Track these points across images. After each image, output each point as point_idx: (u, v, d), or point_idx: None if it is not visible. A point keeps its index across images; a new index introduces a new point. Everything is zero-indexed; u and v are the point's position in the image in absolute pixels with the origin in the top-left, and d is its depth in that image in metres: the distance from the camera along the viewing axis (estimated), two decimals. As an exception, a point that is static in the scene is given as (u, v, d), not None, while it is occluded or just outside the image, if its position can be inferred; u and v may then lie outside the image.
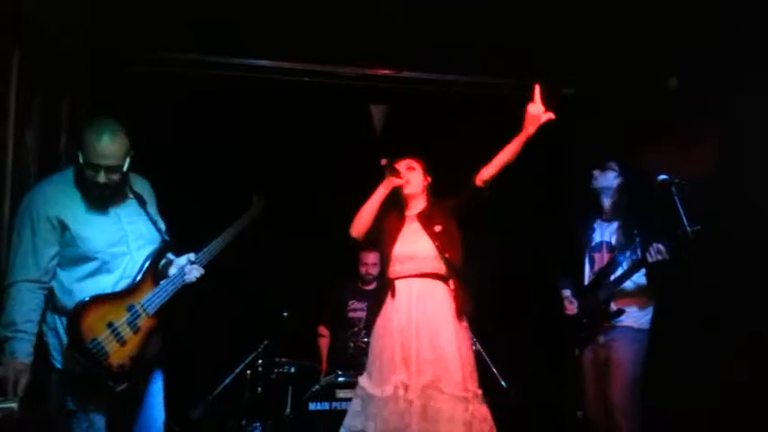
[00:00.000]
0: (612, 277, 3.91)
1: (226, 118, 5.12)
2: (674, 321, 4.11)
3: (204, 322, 4.77)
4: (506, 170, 3.56)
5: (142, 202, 3.04)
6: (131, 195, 3.03)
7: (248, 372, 4.88)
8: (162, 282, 2.98)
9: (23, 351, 2.70)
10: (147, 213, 3.04)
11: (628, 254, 3.88)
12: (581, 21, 4.38)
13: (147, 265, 2.96)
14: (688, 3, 4.16)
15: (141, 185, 3.12)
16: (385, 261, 3.76)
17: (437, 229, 3.68)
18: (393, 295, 3.64)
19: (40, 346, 2.82)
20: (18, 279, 2.76)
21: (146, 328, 2.89)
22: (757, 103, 3.88)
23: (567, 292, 4.10)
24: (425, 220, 3.75)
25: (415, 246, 3.68)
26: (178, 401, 3.21)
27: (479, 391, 3.57)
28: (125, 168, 2.87)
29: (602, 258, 4.02)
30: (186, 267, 3.03)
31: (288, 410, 4.76)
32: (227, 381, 4.83)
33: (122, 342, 2.81)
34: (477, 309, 5.06)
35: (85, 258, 2.85)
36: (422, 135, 5.22)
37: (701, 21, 4.17)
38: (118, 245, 2.92)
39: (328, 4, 4.28)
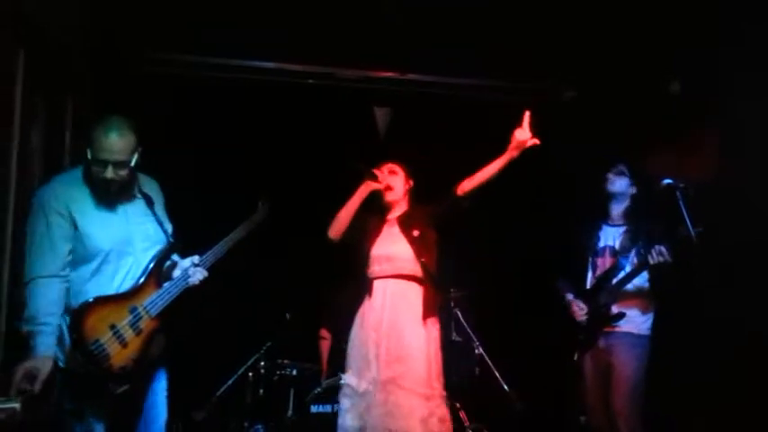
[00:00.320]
0: (614, 281, 3.91)
1: (227, 119, 5.12)
2: (677, 325, 4.10)
3: (207, 324, 4.76)
4: (487, 186, 3.65)
5: (150, 203, 3.04)
6: (140, 195, 3.03)
7: (250, 374, 4.88)
8: (165, 284, 2.98)
9: (44, 345, 2.70)
10: (155, 214, 3.04)
11: (630, 257, 3.88)
12: (582, 21, 4.38)
13: (151, 266, 2.95)
14: (688, 3, 4.17)
15: (150, 186, 3.13)
16: (364, 262, 3.85)
17: (415, 233, 3.78)
18: (370, 295, 3.79)
19: None
20: (36, 275, 2.76)
21: (148, 330, 2.89)
22: (757, 103, 3.88)
23: (570, 296, 4.09)
24: (405, 223, 3.85)
25: (393, 248, 3.79)
26: (180, 403, 3.21)
27: (444, 393, 3.71)
28: (132, 164, 2.88)
29: (605, 263, 4.01)
30: (190, 270, 3.03)
31: (290, 413, 4.76)
32: (229, 382, 4.83)
33: (124, 344, 2.81)
34: (481, 312, 5.09)
35: (91, 256, 2.86)
36: (425, 137, 5.24)
37: (701, 21, 4.17)
38: (124, 244, 2.92)
39: (331, 5, 4.28)
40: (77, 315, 2.74)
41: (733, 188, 3.94)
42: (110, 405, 2.87)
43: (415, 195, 3.99)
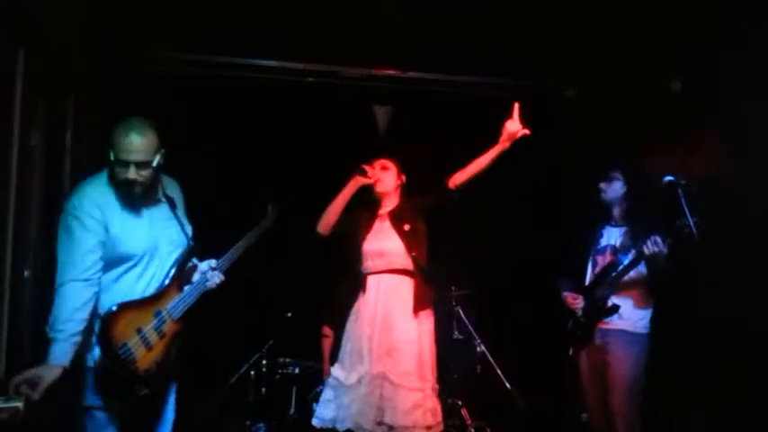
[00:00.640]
0: (612, 274, 3.91)
1: (229, 118, 5.13)
2: (676, 324, 4.10)
3: (209, 323, 4.77)
4: (479, 179, 3.67)
5: (173, 206, 3.05)
6: (164, 199, 3.04)
7: (252, 372, 4.90)
8: (186, 287, 3.00)
9: (55, 353, 2.66)
10: (177, 217, 3.05)
11: (629, 254, 3.89)
12: (582, 20, 4.38)
13: (174, 270, 2.98)
14: (688, 3, 4.16)
15: (172, 188, 3.13)
16: (357, 257, 3.88)
17: (406, 227, 3.81)
18: (364, 290, 3.83)
19: None
20: (67, 279, 2.74)
21: (170, 333, 2.91)
22: (757, 103, 3.87)
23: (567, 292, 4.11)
24: (396, 218, 3.88)
25: (385, 243, 3.83)
26: (183, 401, 3.22)
27: (436, 386, 3.75)
28: (154, 164, 2.87)
29: (605, 261, 4.02)
30: (208, 274, 3.06)
31: (292, 411, 4.78)
32: (231, 381, 4.85)
33: (149, 347, 2.82)
34: (483, 310, 5.10)
35: (120, 261, 2.87)
36: (425, 135, 5.24)
37: (701, 21, 4.17)
38: (149, 249, 2.93)
39: (332, 3, 4.28)
40: (106, 321, 2.74)
41: (733, 188, 3.93)
42: (133, 407, 2.88)
43: (412, 192, 4.00)
